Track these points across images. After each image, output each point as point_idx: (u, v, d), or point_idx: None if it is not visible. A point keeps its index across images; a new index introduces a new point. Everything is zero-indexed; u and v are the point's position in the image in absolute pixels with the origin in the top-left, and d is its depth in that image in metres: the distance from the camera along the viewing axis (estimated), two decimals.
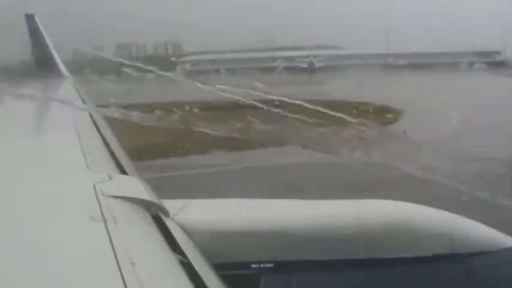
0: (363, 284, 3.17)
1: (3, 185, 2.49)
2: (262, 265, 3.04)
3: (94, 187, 2.29)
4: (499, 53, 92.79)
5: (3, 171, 2.84)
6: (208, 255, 2.61)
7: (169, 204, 2.77)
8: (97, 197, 2.19)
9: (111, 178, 2.54)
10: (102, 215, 1.98)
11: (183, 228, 2.80)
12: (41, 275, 1.54)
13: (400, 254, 3.10)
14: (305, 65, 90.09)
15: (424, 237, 3.14)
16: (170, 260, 1.94)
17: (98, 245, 1.76)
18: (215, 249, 2.85)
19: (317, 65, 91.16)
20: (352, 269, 3.13)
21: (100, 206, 2.09)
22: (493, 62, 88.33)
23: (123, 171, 3.19)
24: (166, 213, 2.63)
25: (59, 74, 15.94)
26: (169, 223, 2.49)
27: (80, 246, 1.77)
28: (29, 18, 18.54)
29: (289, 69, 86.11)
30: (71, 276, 1.54)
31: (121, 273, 1.52)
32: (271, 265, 3.05)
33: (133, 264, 1.60)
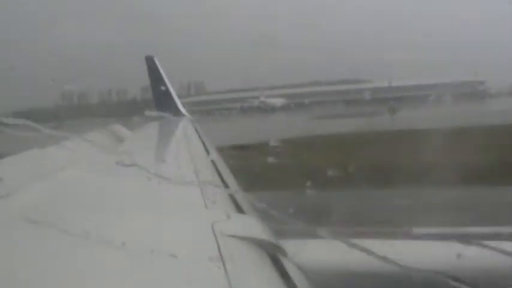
0: None
1: (124, 224, 2.57)
2: None
3: (212, 226, 2.31)
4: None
5: (122, 210, 2.94)
6: None
7: (287, 244, 2.74)
8: (215, 236, 2.20)
9: (229, 217, 2.56)
10: (221, 255, 1.99)
11: (301, 269, 2.76)
12: None
13: None
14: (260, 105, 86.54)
15: None
16: None
17: (216, 284, 1.76)
18: None
19: (277, 104, 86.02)
20: None
21: (218, 245, 2.10)
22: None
23: (240, 210, 3.22)
24: (284, 254, 2.60)
25: (178, 113, 16.53)
26: (287, 264, 2.45)
27: (199, 286, 1.78)
28: (149, 59, 19.58)
29: (245, 110, 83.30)
30: None
31: None
32: None
33: None
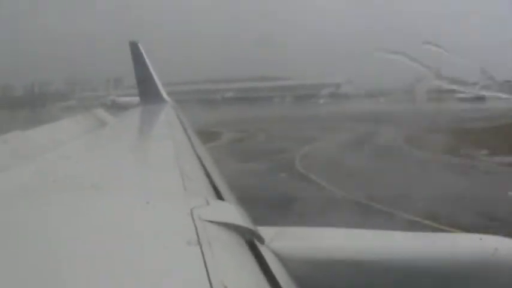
0: None
1: (103, 207, 2.59)
2: None
3: (191, 211, 2.34)
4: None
5: (102, 193, 2.95)
6: (301, 283, 2.58)
7: (265, 231, 2.77)
8: (194, 221, 2.22)
9: (208, 203, 2.58)
10: (199, 240, 2.01)
11: (278, 255, 2.80)
12: None
13: None
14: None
15: None
16: (263, 286, 1.94)
17: (193, 268, 1.79)
18: (309, 278, 2.83)
19: (130, 103, 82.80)
20: None
21: (196, 230, 2.12)
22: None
23: (219, 196, 3.25)
24: (261, 240, 2.64)
25: (161, 99, 16.45)
26: (263, 250, 2.49)
27: (175, 269, 1.81)
28: (133, 45, 19.41)
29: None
30: None
31: None
32: None
33: None
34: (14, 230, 2.20)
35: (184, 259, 1.90)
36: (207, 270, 1.73)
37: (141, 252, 1.93)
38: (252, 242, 2.45)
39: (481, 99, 52.58)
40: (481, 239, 3.21)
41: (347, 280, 3.01)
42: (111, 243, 2.03)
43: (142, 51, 19.18)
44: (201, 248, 1.92)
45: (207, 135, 30.30)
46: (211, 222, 2.28)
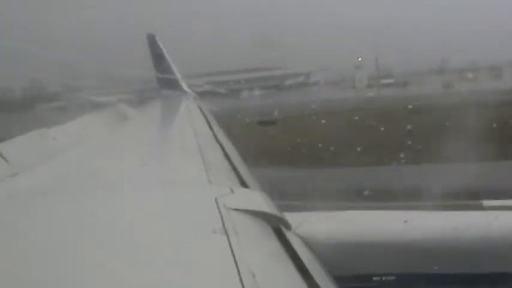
0: None
1: (128, 198, 2.62)
2: (383, 278, 2.98)
3: (216, 200, 2.35)
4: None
5: (128, 184, 2.99)
6: (329, 267, 2.59)
7: (291, 217, 2.78)
8: (219, 210, 2.24)
9: (232, 191, 2.60)
10: (224, 228, 2.02)
11: (304, 240, 2.81)
12: (163, 286, 1.60)
13: None
14: None
15: None
16: (291, 272, 1.95)
17: (220, 256, 1.81)
18: (336, 262, 2.83)
19: None
20: (479, 284, 2.99)
21: (222, 218, 2.13)
22: None
23: (243, 184, 3.26)
24: (288, 226, 2.64)
25: (181, 91, 16.48)
26: (290, 236, 2.50)
27: (203, 258, 1.82)
28: (150, 37, 19.43)
29: None
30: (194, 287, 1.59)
31: (242, 284, 1.55)
32: (393, 278, 2.98)
33: (254, 275, 1.62)
34: (55, 223, 2.24)
35: (210, 248, 1.91)
36: (234, 258, 1.73)
37: (169, 243, 1.95)
38: (279, 229, 2.46)
39: (403, 85, 52.51)
40: None
41: (375, 262, 3.01)
42: (139, 233, 2.06)
43: (160, 43, 19.20)
44: (227, 236, 1.93)
45: None
46: (237, 210, 2.29)
